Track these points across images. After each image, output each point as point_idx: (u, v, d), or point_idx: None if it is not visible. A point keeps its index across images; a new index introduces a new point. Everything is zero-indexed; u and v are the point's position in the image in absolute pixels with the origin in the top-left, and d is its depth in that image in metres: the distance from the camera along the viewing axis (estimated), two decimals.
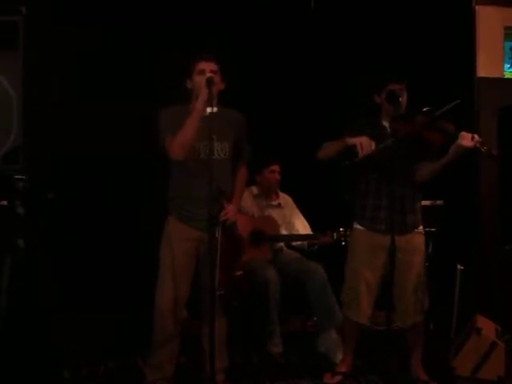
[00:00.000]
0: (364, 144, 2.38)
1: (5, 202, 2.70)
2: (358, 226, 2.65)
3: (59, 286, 2.98)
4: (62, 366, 2.68)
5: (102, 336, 3.10)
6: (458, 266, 3.03)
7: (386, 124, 2.60)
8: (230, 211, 2.38)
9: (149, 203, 3.20)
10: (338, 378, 2.71)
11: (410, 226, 2.58)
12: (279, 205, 3.46)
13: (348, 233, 3.05)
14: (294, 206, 3.52)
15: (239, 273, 2.96)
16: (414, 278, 2.56)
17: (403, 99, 2.51)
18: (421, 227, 2.64)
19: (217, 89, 2.34)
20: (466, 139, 2.32)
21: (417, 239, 2.61)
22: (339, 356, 2.89)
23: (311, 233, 3.41)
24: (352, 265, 2.65)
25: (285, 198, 3.51)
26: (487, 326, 2.89)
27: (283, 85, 3.66)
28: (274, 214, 3.41)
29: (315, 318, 3.16)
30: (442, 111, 2.32)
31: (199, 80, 2.34)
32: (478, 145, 2.32)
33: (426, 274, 2.61)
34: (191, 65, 2.41)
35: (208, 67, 2.36)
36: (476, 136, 2.33)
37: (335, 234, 3.21)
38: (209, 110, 2.25)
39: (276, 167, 3.40)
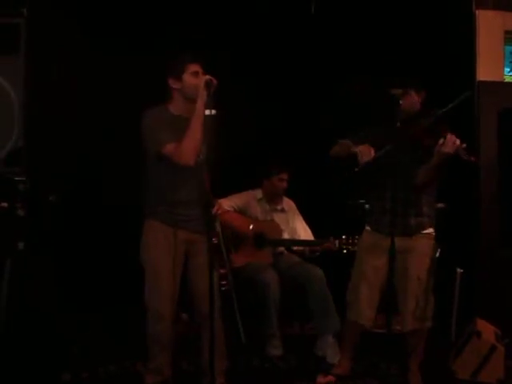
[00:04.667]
0: (364, 152, 2.42)
1: (5, 204, 2.70)
2: (367, 228, 2.69)
3: (60, 289, 2.98)
4: (62, 369, 2.69)
5: (102, 339, 3.10)
6: (458, 270, 3.02)
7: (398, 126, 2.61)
8: (221, 205, 2.41)
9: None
10: (330, 378, 2.72)
11: (414, 229, 2.58)
12: (282, 209, 3.48)
13: (350, 241, 3.10)
14: (296, 210, 3.53)
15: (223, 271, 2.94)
16: (414, 281, 2.54)
17: (405, 102, 2.50)
18: (429, 230, 2.62)
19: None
20: (447, 145, 2.30)
21: (421, 242, 2.59)
22: (337, 359, 2.88)
23: (313, 239, 3.41)
24: (356, 265, 2.68)
25: (288, 203, 3.52)
26: (487, 330, 2.90)
27: (290, 91, 3.67)
28: (277, 218, 3.42)
29: (314, 322, 3.16)
30: (448, 109, 2.29)
31: (195, 82, 2.31)
32: (459, 151, 2.29)
33: (430, 280, 2.57)
34: (180, 65, 2.37)
35: (200, 69, 2.36)
36: (458, 142, 2.29)
37: (337, 242, 3.21)
38: (207, 112, 2.26)
39: (285, 175, 3.42)
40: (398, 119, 2.58)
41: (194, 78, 2.34)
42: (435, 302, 2.66)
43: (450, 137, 2.31)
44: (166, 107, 2.41)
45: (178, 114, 2.40)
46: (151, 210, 2.45)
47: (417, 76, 2.65)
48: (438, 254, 2.85)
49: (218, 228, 2.30)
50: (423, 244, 2.60)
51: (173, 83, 2.39)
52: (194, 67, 2.37)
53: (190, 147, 2.28)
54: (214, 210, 2.34)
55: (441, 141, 2.31)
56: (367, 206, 2.72)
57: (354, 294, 2.64)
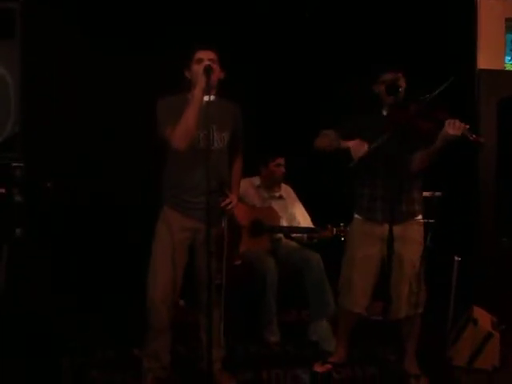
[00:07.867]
0: (357, 147, 2.40)
1: (3, 190, 2.70)
2: (357, 216, 2.67)
3: (56, 275, 2.98)
4: (61, 355, 2.69)
5: (100, 325, 3.11)
6: (456, 258, 3.03)
7: (385, 114, 2.60)
8: (233, 200, 2.40)
9: (144, 193, 3.20)
10: (328, 366, 2.72)
11: (406, 215, 2.56)
12: (281, 196, 3.47)
13: (348, 229, 3.03)
14: (295, 197, 3.52)
15: (238, 262, 2.96)
16: (408, 268, 2.53)
17: (403, 88, 2.49)
18: (419, 217, 2.62)
19: (216, 77, 2.34)
20: (453, 127, 2.28)
21: (413, 229, 2.59)
22: (331, 345, 2.89)
23: (311, 225, 3.41)
24: (348, 253, 2.67)
25: (286, 190, 3.51)
26: (483, 317, 2.91)
27: (287, 78, 3.65)
28: (276, 205, 3.40)
29: (309, 306, 3.17)
30: (434, 94, 2.26)
31: (197, 69, 2.33)
32: (465, 132, 2.28)
33: (422, 266, 2.56)
34: (189, 54, 2.40)
35: (206, 56, 2.36)
36: (462, 124, 2.27)
37: (335, 229, 3.20)
38: (206, 98, 2.25)
39: (281, 160, 3.41)
40: (385, 107, 2.58)
41: (198, 65, 2.35)
42: (432, 289, 2.66)
43: (452, 120, 2.28)
44: (184, 95, 2.42)
45: None
46: (164, 196, 2.47)
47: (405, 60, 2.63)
48: (428, 241, 2.85)
49: (224, 223, 2.27)
50: (415, 230, 2.59)
51: (187, 74, 2.42)
52: (199, 54, 2.38)
53: (181, 132, 2.27)
54: (223, 203, 2.33)
55: (447, 123, 2.28)
56: (357, 193, 2.67)
57: (347, 283, 2.62)
